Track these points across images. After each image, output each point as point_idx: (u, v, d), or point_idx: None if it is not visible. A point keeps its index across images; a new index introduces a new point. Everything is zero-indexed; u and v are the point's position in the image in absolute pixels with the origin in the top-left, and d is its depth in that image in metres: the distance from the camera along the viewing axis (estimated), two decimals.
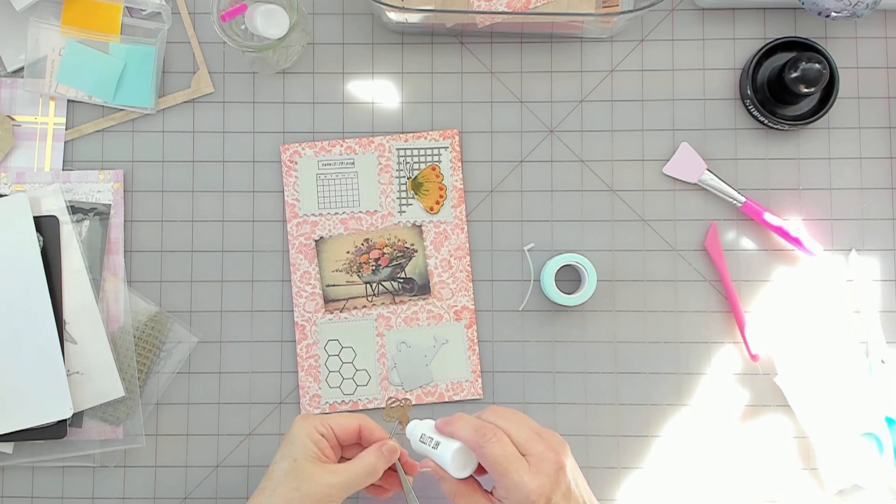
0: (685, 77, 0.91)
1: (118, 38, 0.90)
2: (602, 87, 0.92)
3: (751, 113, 0.90)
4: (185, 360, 0.89)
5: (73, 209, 0.88)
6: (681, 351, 0.90)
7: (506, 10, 0.89)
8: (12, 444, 0.87)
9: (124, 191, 0.90)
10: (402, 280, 0.90)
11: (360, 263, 0.90)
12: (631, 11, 0.86)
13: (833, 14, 0.85)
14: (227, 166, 0.91)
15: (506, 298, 0.90)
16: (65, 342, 0.86)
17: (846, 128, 0.91)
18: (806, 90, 0.85)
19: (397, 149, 0.91)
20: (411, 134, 0.91)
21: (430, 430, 0.77)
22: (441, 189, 0.90)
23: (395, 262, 0.90)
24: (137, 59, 0.90)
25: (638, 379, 0.90)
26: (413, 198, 0.91)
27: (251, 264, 0.90)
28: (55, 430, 0.85)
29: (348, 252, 0.90)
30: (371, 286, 0.90)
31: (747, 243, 0.90)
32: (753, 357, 0.89)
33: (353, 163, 0.91)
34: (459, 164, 0.91)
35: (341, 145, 0.91)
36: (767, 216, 0.89)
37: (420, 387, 0.89)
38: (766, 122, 0.89)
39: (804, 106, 0.89)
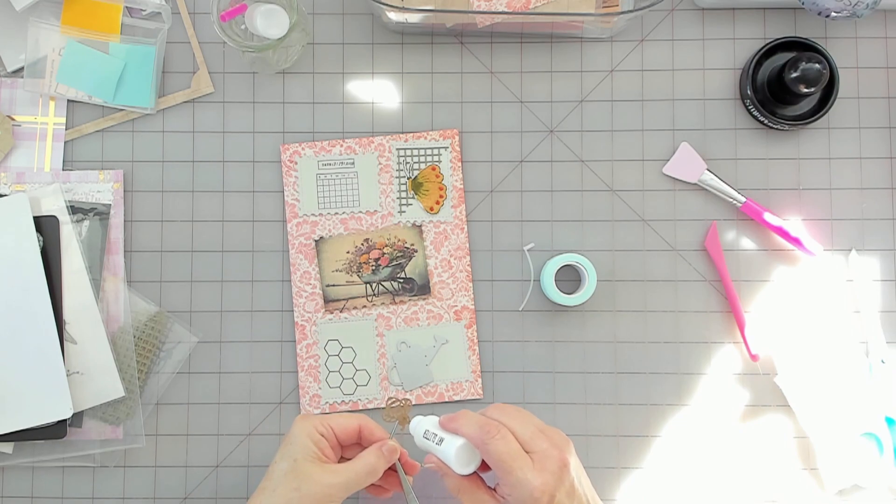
0: (685, 77, 0.91)
1: (118, 38, 0.90)
2: (602, 87, 0.92)
3: (751, 113, 0.90)
4: (185, 360, 0.89)
5: (73, 209, 0.88)
6: (681, 351, 0.90)
7: (506, 10, 0.89)
8: (12, 444, 0.87)
9: (124, 191, 0.90)
10: (402, 280, 0.90)
11: (360, 263, 0.90)
12: (631, 11, 0.86)
13: (833, 14, 0.85)
14: (227, 166, 0.91)
15: (506, 298, 0.90)
16: (65, 342, 0.86)
17: (846, 128, 0.91)
18: (806, 90, 0.85)
19: (397, 149, 0.91)
20: (411, 134, 0.91)
21: (433, 427, 0.77)
22: (441, 189, 0.90)
23: (395, 262, 0.90)
24: (137, 59, 0.90)
25: (638, 379, 0.90)
26: (413, 198, 0.90)
27: (251, 264, 0.90)
28: (55, 430, 0.85)
29: (348, 252, 0.90)
30: (371, 286, 0.90)
31: (747, 243, 0.90)
32: (753, 357, 0.89)
33: (353, 163, 0.90)
34: (459, 164, 0.91)
35: (341, 145, 0.91)
36: (767, 216, 0.89)
37: (420, 387, 0.89)
38: (766, 122, 0.89)
39: (804, 106, 0.89)
